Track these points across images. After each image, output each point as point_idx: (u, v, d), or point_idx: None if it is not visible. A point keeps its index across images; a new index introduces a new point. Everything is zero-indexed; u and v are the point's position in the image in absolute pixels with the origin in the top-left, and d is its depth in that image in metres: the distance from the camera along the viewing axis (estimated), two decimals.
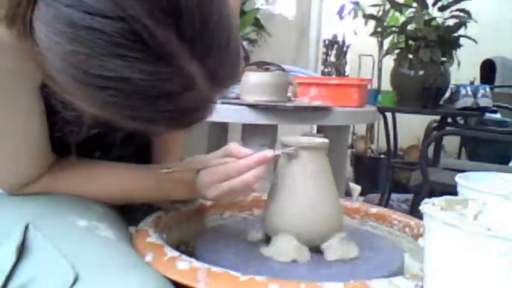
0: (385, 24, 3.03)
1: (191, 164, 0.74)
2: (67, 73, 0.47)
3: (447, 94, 2.65)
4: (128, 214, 0.86)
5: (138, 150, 0.84)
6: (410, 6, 2.75)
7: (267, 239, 0.71)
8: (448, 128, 2.77)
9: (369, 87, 2.00)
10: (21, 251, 0.59)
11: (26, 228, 0.61)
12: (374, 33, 3.04)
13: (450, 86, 2.63)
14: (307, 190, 0.68)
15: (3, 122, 0.62)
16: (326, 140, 0.71)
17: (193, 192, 0.73)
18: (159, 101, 0.49)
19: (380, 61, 3.40)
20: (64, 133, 0.70)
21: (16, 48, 0.52)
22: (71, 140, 0.71)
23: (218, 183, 0.68)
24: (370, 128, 3.86)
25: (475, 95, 2.54)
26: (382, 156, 3.56)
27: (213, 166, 0.69)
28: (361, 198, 3.08)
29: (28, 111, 0.64)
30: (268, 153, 0.68)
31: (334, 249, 0.67)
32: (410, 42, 2.58)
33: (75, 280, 0.55)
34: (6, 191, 0.69)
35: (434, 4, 2.61)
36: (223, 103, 1.42)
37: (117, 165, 0.75)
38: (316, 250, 0.68)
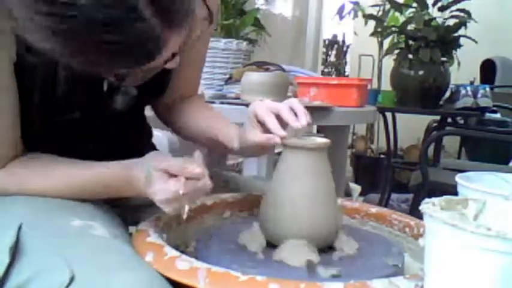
0: (385, 24, 3.03)
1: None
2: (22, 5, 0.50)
3: (447, 94, 2.65)
4: (128, 214, 0.86)
5: (128, 147, 0.83)
6: (410, 6, 2.75)
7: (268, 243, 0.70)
8: (448, 128, 2.77)
9: (368, 87, 2.00)
10: (15, 251, 0.59)
11: (19, 228, 0.61)
12: (374, 33, 3.04)
13: (450, 86, 2.63)
14: (307, 191, 0.68)
15: None
16: (326, 140, 0.71)
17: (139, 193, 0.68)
18: (105, 28, 0.50)
19: (380, 61, 3.40)
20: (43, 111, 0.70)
21: None
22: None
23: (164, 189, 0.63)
24: (370, 128, 3.86)
25: (475, 95, 2.54)
26: (382, 156, 3.56)
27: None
28: (361, 198, 3.08)
29: (2, 94, 0.65)
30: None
31: (345, 244, 0.69)
32: (410, 42, 2.58)
33: (71, 279, 0.54)
34: None
35: (434, 4, 2.61)
36: (223, 103, 1.42)
37: (77, 161, 0.73)
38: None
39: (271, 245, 0.69)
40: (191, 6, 0.57)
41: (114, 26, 0.50)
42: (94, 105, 0.76)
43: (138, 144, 0.90)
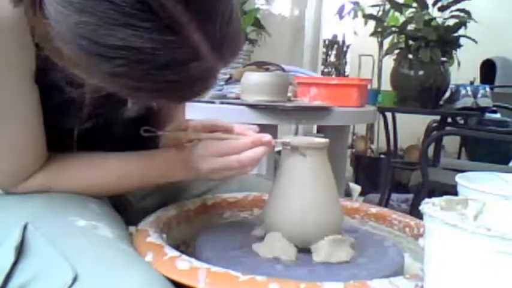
0: (385, 24, 3.03)
1: (186, 133, 0.74)
2: (76, 44, 0.48)
3: (447, 94, 2.65)
4: (128, 214, 0.86)
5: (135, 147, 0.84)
6: (410, 6, 2.75)
7: None
8: (448, 128, 2.77)
9: (368, 87, 2.00)
10: (20, 250, 0.59)
11: (25, 228, 0.61)
12: (374, 33, 3.04)
13: (450, 86, 2.63)
14: (307, 190, 0.68)
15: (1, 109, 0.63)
16: (326, 140, 0.71)
17: (189, 169, 0.72)
18: (165, 70, 0.50)
19: (380, 61, 3.40)
20: (64, 122, 0.70)
21: (16, 30, 0.54)
22: (67, 126, 0.71)
23: (214, 158, 0.69)
24: (370, 128, 3.86)
25: (475, 95, 2.54)
26: (382, 156, 3.56)
27: (209, 139, 0.70)
28: (361, 198, 3.08)
29: (26, 100, 0.65)
30: (266, 136, 0.69)
31: (322, 251, 0.66)
32: (410, 42, 2.58)
33: (75, 279, 0.54)
34: (6, 187, 0.69)
35: (434, 4, 2.61)
36: (223, 103, 1.42)
37: (110, 154, 0.75)
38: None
39: None
40: (241, 38, 0.57)
41: (176, 67, 0.50)
42: (107, 112, 0.76)
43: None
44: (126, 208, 0.87)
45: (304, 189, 0.68)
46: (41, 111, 0.68)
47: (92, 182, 0.72)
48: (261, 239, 0.71)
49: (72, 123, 0.72)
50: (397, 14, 3.03)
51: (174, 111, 0.93)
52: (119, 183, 0.74)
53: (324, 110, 1.43)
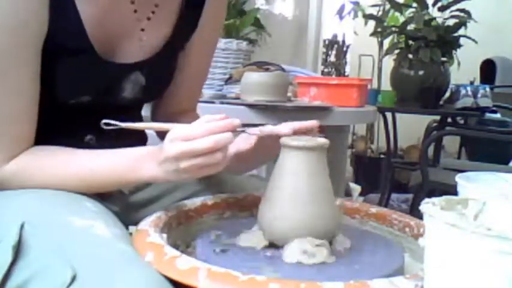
0: (385, 24, 3.03)
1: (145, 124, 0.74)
2: None
3: (447, 94, 2.65)
4: (128, 214, 0.86)
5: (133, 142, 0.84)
6: (410, 6, 2.75)
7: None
8: (448, 128, 2.77)
9: (368, 87, 2.00)
10: (18, 250, 0.59)
11: (22, 227, 0.61)
12: (374, 33, 3.04)
13: (450, 86, 2.63)
14: (305, 190, 0.68)
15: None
16: (325, 140, 0.71)
17: (158, 163, 0.67)
18: None
19: (380, 61, 3.40)
20: (61, 91, 0.73)
21: None
22: (62, 96, 0.74)
23: (180, 141, 0.64)
24: (370, 128, 3.86)
25: (475, 95, 2.54)
26: (382, 156, 3.56)
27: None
28: (361, 198, 3.08)
29: (27, 71, 0.69)
30: (234, 120, 0.67)
31: (292, 251, 0.65)
32: (410, 42, 2.58)
33: (73, 279, 0.54)
34: None
35: (434, 4, 2.61)
36: (222, 103, 1.42)
37: (81, 150, 0.74)
38: None
39: (272, 245, 0.69)
40: None
41: None
42: (104, 89, 0.78)
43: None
44: (124, 204, 0.87)
45: (302, 189, 0.68)
46: (38, 86, 0.71)
47: (62, 172, 0.71)
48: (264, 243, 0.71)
49: (69, 94, 0.74)
50: (397, 14, 3.03)
51: (186, 104, 0.93)
52: (91, 176, 0.71)
53: (324, 110, 1.42)
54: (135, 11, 0.78)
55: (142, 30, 0.80)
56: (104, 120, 0.68)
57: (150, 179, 0.70)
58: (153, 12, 0.80)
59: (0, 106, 0.68)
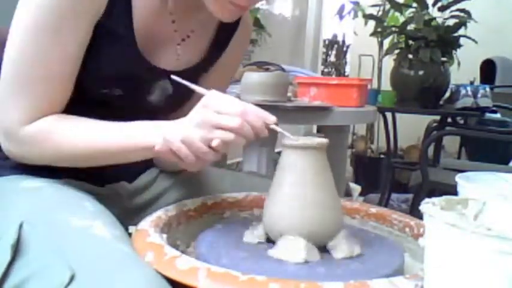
0: (385, 24, 3.03)
1: None
2: None
3: (447, 94, 2.65)
4: (128, 214, 0.86)
5: None
6: (410, 6, 2.75)
7: (267, 240, 0.71)
8: (448, 128, 2.77)
9: (368, 87, 2.00)
10: (16, 249, 0.59)
11: (20, 226, 0.61)
12: (374, 33, 3.04)
13: (450, 86, 2.63)
14: (306, 190, 0.68)
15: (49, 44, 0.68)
16: (326, 140, 0.71)
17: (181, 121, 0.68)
18: None
19: (380, 61, 3.40)
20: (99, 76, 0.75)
21: None
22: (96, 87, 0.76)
23: (212, 111, 0.66)
24: (370, 128, 3.86)
25: (475, 95, 2.54)
26: (382, 156, 3.56)
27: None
28: (361, 198, 3.08)
29: (77, 37, 0.70)
30: (270, 116, 0.71)
31: (341, 247, 0.67)
32: (410, 42, 2.58)
33: (71, 279, 0.54)
34: (14, 124, 0.71)
35: (434, 4, 2.61)
36: None
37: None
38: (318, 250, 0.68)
39: (273, 242, 0.69)
40: None
41: None
42: (135, 87, 0.80)
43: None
44: (124, 204, 0.87)
45: (304, 189, 0.68)
46: (81, 59, 0.73)
47: (83, 133, 0.72)
48: (262, 242, 0.71)
49: (105, 83, 0.76)
50: (397, 14, 3.03)
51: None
52: (105, 139, 0.71)
53: (324, 110, 1.42)
54: (175, 31, 0.81)
55: (179, 45, 0.83)
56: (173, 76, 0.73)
57: (167, 134, 0.68)
58: (188, 37, 0.83)
59: (47, 62, 0.69)
